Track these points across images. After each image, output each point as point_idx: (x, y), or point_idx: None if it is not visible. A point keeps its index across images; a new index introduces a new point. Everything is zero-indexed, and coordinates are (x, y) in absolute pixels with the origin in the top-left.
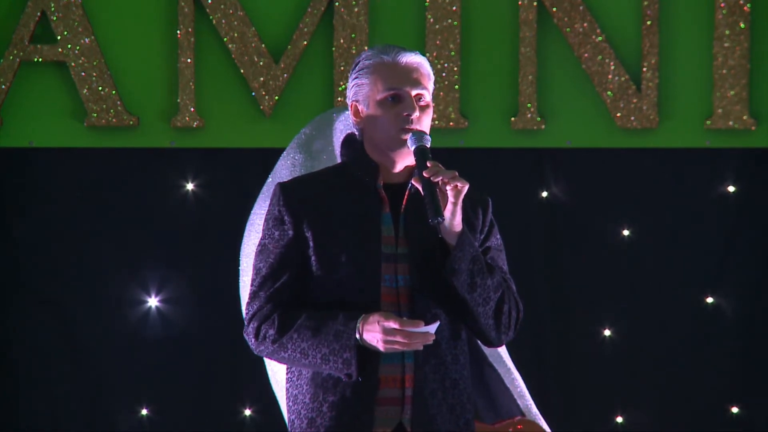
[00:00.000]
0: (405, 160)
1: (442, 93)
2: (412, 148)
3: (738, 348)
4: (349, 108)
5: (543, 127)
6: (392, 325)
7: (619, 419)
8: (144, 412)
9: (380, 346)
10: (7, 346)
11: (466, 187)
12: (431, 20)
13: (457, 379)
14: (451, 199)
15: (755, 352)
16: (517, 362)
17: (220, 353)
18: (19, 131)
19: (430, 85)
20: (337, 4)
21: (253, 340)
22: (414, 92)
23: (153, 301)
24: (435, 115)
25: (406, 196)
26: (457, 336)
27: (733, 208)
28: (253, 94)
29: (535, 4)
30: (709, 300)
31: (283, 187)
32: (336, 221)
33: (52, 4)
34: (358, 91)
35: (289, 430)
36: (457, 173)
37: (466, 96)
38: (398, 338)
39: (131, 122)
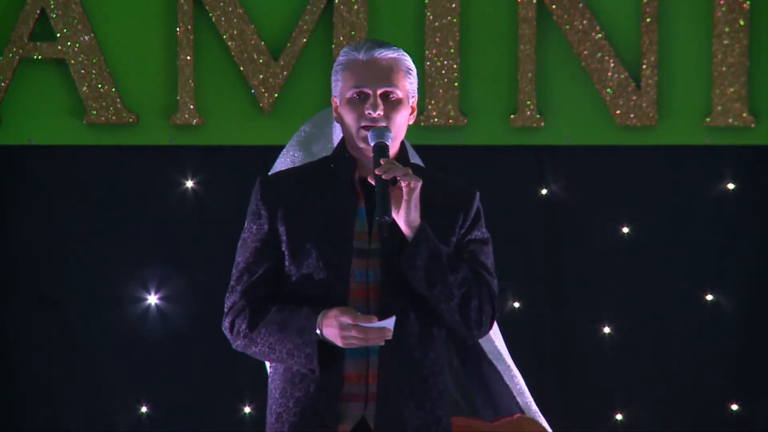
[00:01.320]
0: (371, 156)
1: (441, 91)
2: (371, 145)
3: (738, 345)
4: (332, 103)
5: (542, 124)
6: (347, 320)
7: (619, 416)
8: (143, 409)
9: (339, 342)
10: (7, 343)
11: (419, 185)
12: (431, 18)
13: (427, 375)
14: (404, 196)
15: (755, 350)
16: (517, 359)
17: (220, 351)
18: (19, 129)
19: (406, 81)
20: (336, 1)
21: (228, 334)
22: (380, 90)
23: (152, 299)
24: (434, 113)
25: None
26: (427, 332)
27: (733, 206)
28: (253, 91)
29: (534, 1)
30: (709, 297)
31: (261, 182)
32: (310, 216)
33: (52, 2)
34: (335, 88)
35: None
36: (410, 170)
37: (465, 93)
38: (353, 333)
39: (131, 120)
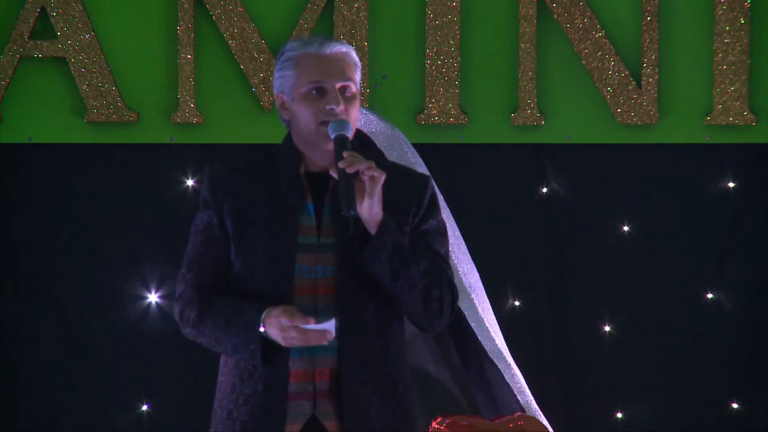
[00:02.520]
0: (331, 150)
1: (441, 89)
2: (332, 137)
3: (738, 344)
4: (275, 99)
5: (543, 122)
6: (285, 321)
7: (619, 415)
8: (144, 408)
9: (281, 341)
10: (6, 342)
11: (383, 178)
12: (431, 16)
13: (390, 369)
14: (367, 189)
15: (756, 348)
16: (517, 358)
17: None
18: (19, 127)
19: (357, 75)
20: (337, 0)
21: (179, 321)
22: (338, 84)
23: (153, 297)
24: (435, 111)
25: (330, 186)
26: (387, 327)
27: (734, 204)
28: (253, 89)
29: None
30: (710, 296)
31: (209, 174)
32: (256, 211)
33: (52, 0)
34: (283, 83)
35: (212, 416)
36: (373, 164)
37: (465, 92)
38: (293, 334)
39: (131, 118)
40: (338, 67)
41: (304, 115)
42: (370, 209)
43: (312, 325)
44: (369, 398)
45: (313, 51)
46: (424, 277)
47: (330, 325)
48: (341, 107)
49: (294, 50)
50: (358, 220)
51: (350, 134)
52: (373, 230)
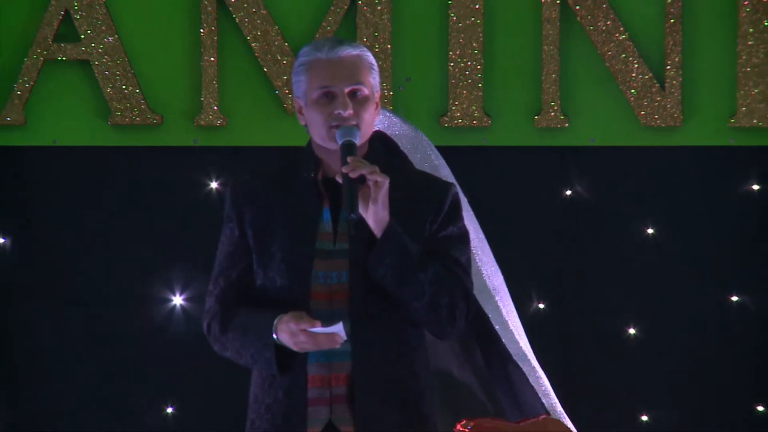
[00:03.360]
0: None
1: (465, 92)
2: (339, 143)
3: (763, 346)
4: (294, 104)
5: (566, 125)
6: (293, 325)
7: (644, 418)
8: (169, 410)
9: (293, 346)
10: (32, 344)
11: (387, 183)
12: (454, 18)
13: (405, 375)
14: (371, 194)
15: None
16: (541, 360)
17: None
18: (43, 130)
19: (371, 78)
20: (360, 2)
21: (207, 337)
22: (348, 88)
23: (177, 300)
24: (458, 114)
25: None
26: (401, 332)
27: (758, 206)
28: (277, 92)
29: (558, 2)
30: (734, 298)
31: (232, 186)
32: (275, 219)
33: (76, 3)
34: (298, 89)
35: None
36: (377, 168)
37: (489, 94)
38: (302, 338)
39: (155, 121)
40: (348, 70)
41: (316, 121)
42: (375, 214)
43: (319, 329)
44: (382, 403)
45: (322, 56)
46: (433, 285)
47: (338, 328)
48: (349, 111)
49: (306, 55)
50: (360, 223)
51: (359, 139)
52: (379, 235)
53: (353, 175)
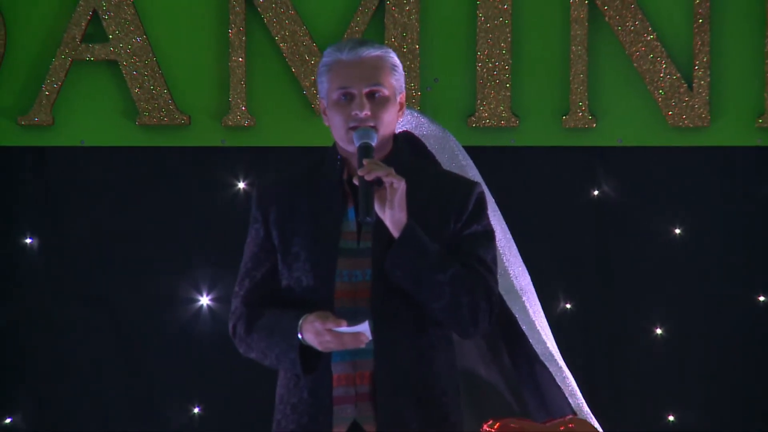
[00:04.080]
0: None
1: (492, 92)
2: (357, 145)
3: None
4: (320, 105)
5: (594, 125)
6: (319, 325)
7: (671, 418)
8: (196, 410)
9: (318, 346)
10: (60, 344)
11: (402, 185)
12: (482, 18)
13: (426, 373)
14: (388, 196)
15: None
16: (568, 360)
17: None
18: (71, 130)
19: (393, 78)
20: (388, 2)
21: (233, 338)
22: (366, 89)
23: (204, 300)
24: (486, 114)
25: None
26: (423, 331)
27: None
28: (305, 92)
29: (586, 2)
30: (761, 298)
31: (258, 188)
32: (299, 219)
33: (104, 4)
34: (321, 89)
35: None
36: (393, 170)
37: (517, 94)
38: (328, 338)
39: (182, 121)
40: (366, 71)
41: (336, 121)
42: (392, 216)
43: (345, 328)
44: (404, 402)
45: (343, 57)
46: (452, 285)
47: (364, 327)
48: (366, 112)
49: (328, 56)
50: (381, 225)
51: (376, 141)
52: (396, 237)
53: (368, 177)
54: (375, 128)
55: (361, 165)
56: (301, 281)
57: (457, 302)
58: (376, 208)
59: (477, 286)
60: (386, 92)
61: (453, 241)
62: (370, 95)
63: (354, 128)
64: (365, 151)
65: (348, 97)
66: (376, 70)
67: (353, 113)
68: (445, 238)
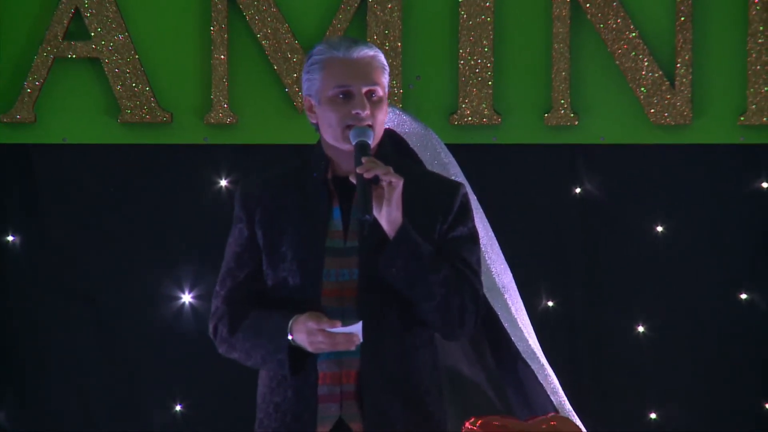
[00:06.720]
0: None
1: (475, 90)
2: (353, 143)
3: None
4: (304, 102)
5: (576, 123)
6: (312, 325)
7: (653, 415)
8: (178, 408)
9: (308, 347)
10: (41, 341)
11: (401, 183)
12: (464, 16)
13: (411, 372)
14: (385, 195)
15: None
16: (550, 358)
17: None
18: (53, 128)
19: (384, 79)
20: (370, 1)
21: (213, 338)
22: (365, 88)
23: (187, 297)
24: (468, 112)
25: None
26: (409, 330)
27: (767, 204)
28: (287, 90)
29: (568, 0)
30: (744, 296)
31: (242, 187)
32: (285, 218)
33: (86, 1)
34: (310, 87)
35: None
36: (391, 169)
37: (499, 92)
38: (320, 339)
39: (165, 118)
40: (365, 70)
41: (330, 119)
42: (388, 215)
43: (339, 329)
44: (389, 401)
45: (339, 54)
46: (444, 286)
47: (357, 328)
48: (367, 112)
49: (321, 53)
50: (376, 224)
51: (372, 140)
52: (391, 236)
53: (368, 175)
54: (371, 127)
55: (359, 163)
56: (288, 281)
57: (447, 303)
58: (373, 206)
59: (465, 288)
60: (381, 93)
61: (438, 243)
62: (368, 95)
63: (349, 127)
64: (363, 148)
65: (346, 96)
66: (373, 69)
67: (354, 112)
68: (431, 240)
